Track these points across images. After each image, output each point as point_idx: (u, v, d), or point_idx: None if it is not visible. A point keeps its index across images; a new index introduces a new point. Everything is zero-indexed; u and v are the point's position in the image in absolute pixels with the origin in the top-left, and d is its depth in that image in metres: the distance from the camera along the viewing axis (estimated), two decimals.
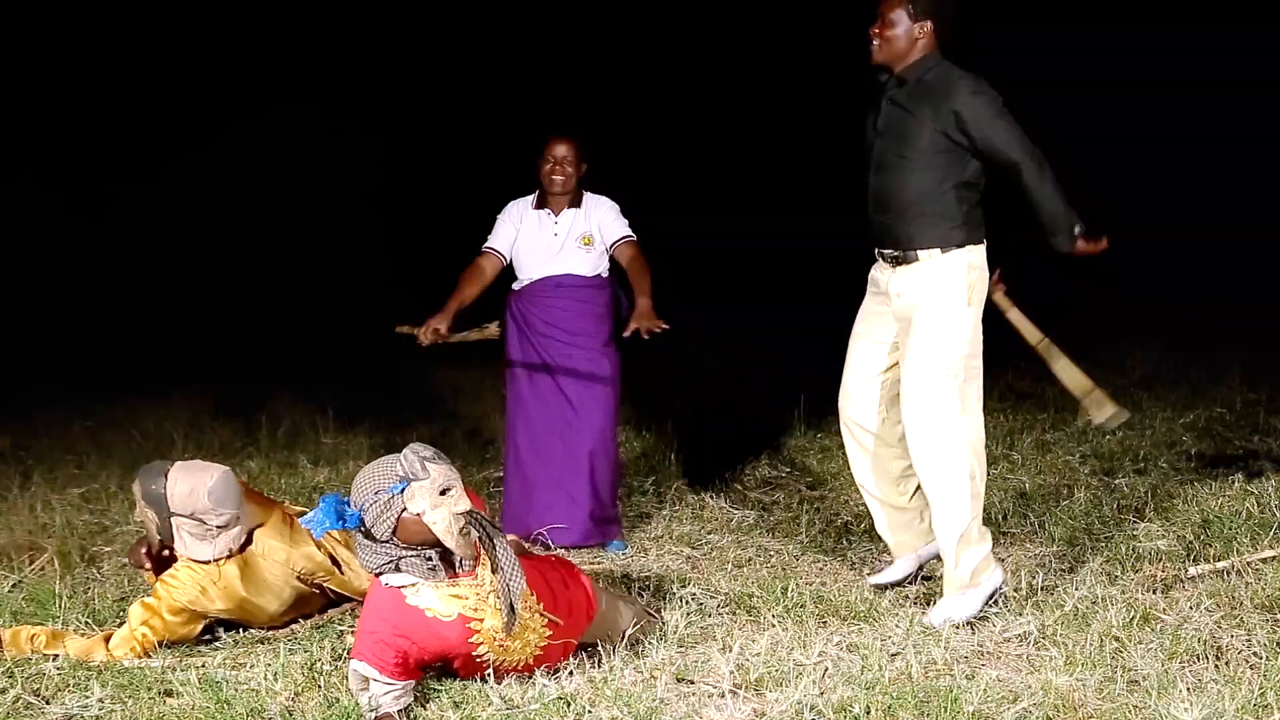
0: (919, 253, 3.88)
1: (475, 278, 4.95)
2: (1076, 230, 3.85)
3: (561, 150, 4.90)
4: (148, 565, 3.90)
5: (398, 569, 3.16)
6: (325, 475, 5.88)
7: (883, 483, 4.17)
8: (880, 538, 4.31)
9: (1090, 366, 7.90)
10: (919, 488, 4.09)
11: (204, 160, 10.51)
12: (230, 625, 3.93)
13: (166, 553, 3.86)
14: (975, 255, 3.91)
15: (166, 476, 3.76)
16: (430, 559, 3.16)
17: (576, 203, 4.98)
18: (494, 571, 3.21)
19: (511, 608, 3.19)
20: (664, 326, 4.66)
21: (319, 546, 3.91)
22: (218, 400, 7.50)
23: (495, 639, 3.24)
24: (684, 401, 6.78)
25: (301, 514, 3.80)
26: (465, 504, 3.12)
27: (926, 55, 3.88)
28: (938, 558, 4.07)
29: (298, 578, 3.89)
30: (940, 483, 3.88)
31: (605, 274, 5.03)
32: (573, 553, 4.82)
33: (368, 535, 3.16)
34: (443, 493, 3.06)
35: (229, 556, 3.79)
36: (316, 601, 4.01)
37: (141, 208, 10.52)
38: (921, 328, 3.88)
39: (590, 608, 3.57)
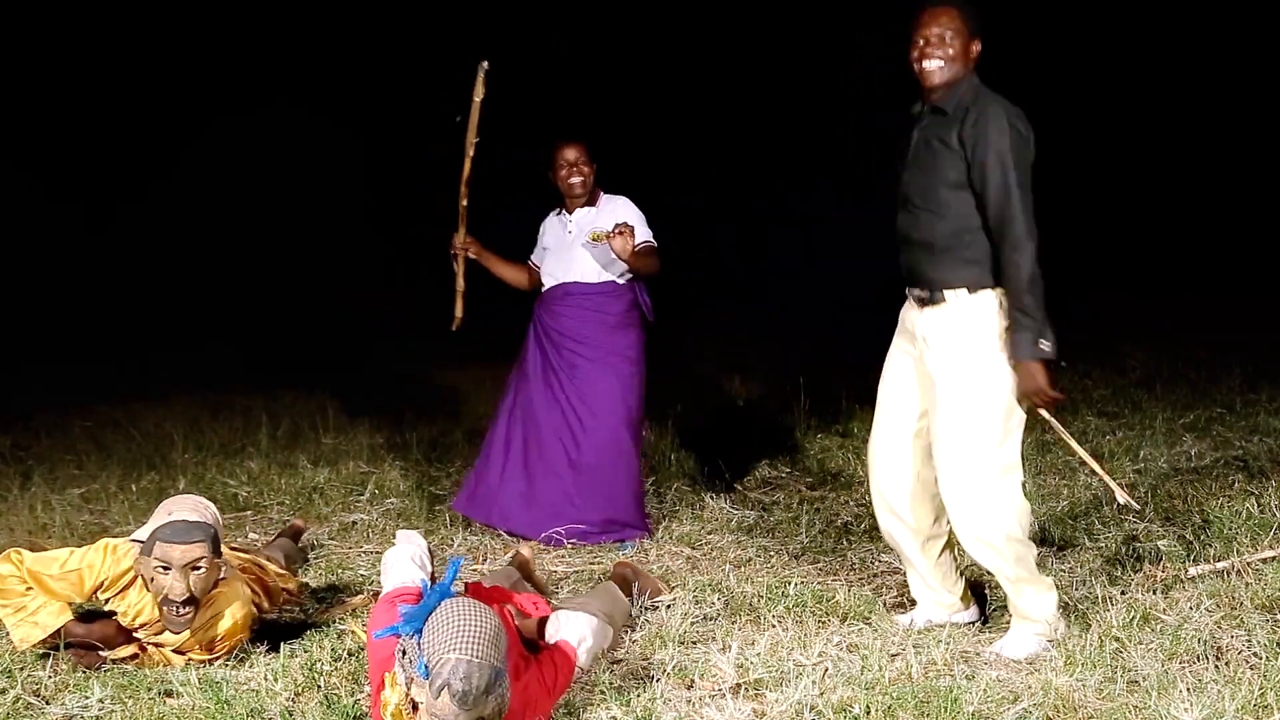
0: (946, 293, 3.59)
1: (517, 268, 5.19)
2: (1044, 344, 3.45)
3: (572, 154, 4.95)
4: None
5: (403, 667, 3.07)
6: (325, 475, 5.88)
7: (915, 542, 3.85)
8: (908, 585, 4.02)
9: (1090, 367, 7.97)
10: (947, 545, 3.88)
11: (202, 162, 10.51)
12: None
13: None
14: (1003, 295, 3.58)
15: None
16: (416, 707, 3.05)
17: (592, 202, 5.01)
18: None
19: None
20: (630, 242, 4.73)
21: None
22: (218, 400, 7.51)
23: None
24: (684, 401, 6.78)
25: None
26: None
27: (967, 79, 3.60)
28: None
29: None
30: (983, 547, 3.61)
31: (620, 280, 5.02)
32: (573, 553, 4.83)
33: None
34: (434, 717, 2.95)
35: None
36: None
37: (141, 209, 10.53)
38: (954, 376, 3.58)
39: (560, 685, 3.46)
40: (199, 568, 3.56)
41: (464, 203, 4.97)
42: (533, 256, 5.20)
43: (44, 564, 3.62)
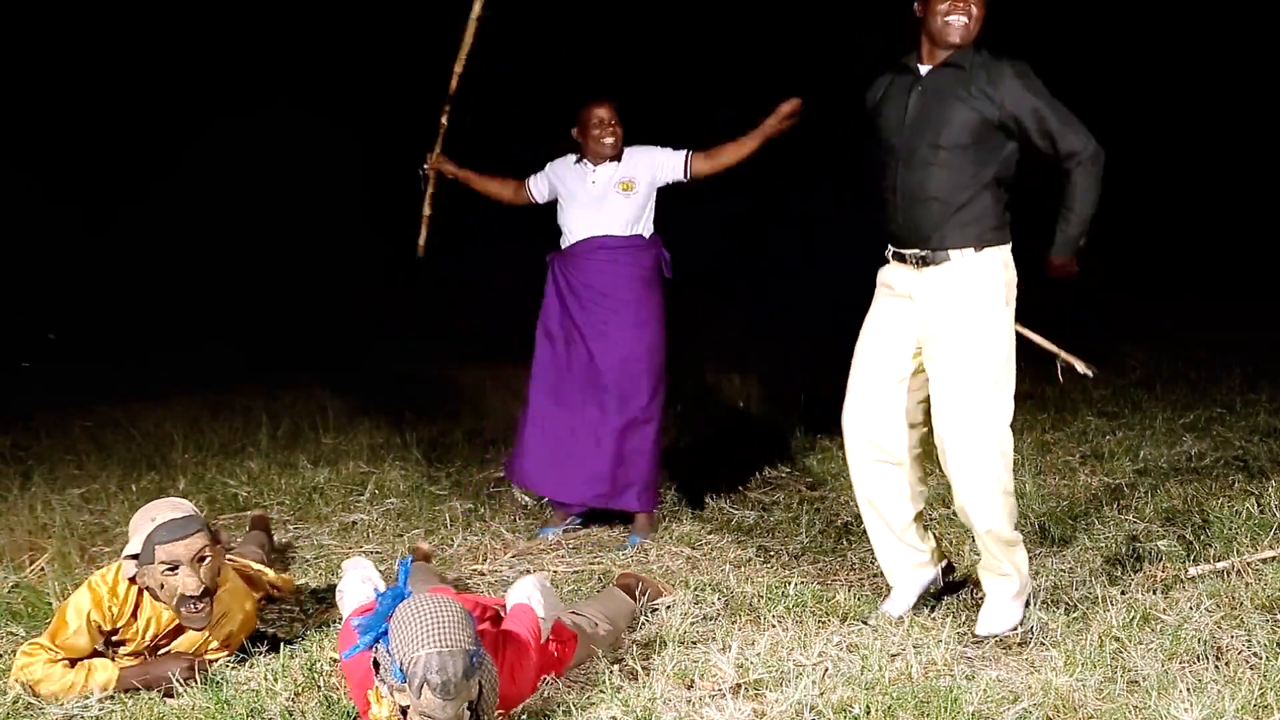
0: (950, 252, 3.66)
1: (501, 181, 5.12)
2: (1081, 243, 3.70)
3: (604, 112, 4.87)
4: None
5: (382, 680, 3.05)
6: (325, 475, 5.88)
7: (893, 503, 3.94)
8: (878, 561, 4.11)
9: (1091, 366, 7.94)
10: (920, 513, 3.99)
11: (202, 162, 10.50)
12: None
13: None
14: (1007, 254, 3.72)
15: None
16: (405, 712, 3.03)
17: (616, 158, 4.94)
18: None
19: None
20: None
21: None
22: (218, 400, 7.51)
23: None
24: (684, 401, 6.77)
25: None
26: None
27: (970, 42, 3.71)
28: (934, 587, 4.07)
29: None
30: (981, 494, 3.69)
31: (646, 234, 4.95)
32: (573, 553, 4.83)
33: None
34: (425, 716, 2.93)
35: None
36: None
37: (141, 209, 10.53)
38: (959, 333, 3.66)
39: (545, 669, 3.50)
40: (205, 557, 3.54)
41: (443, 120, 4.89)
42: (531, 179, 5.06)
43: (60, 633, 3.52)
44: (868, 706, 3.19)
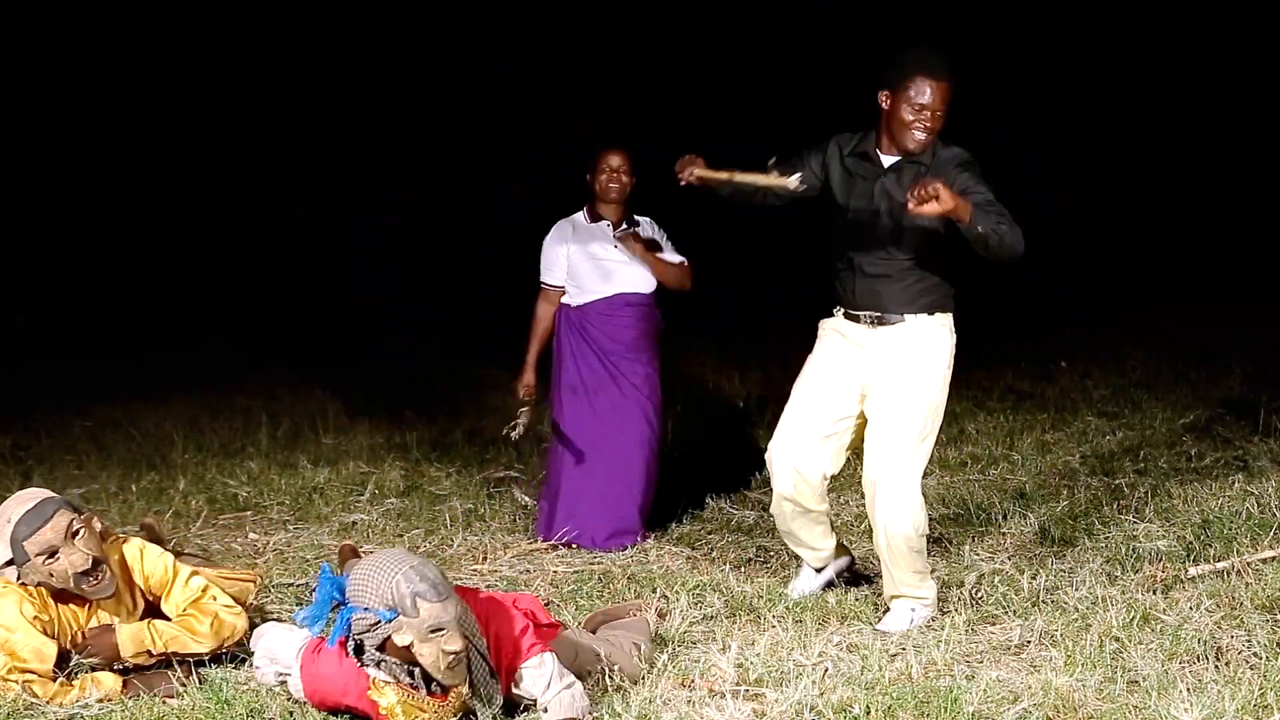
0: (907, 316, 3.88)
1: (542, 323, 5.03)
2: (978, 229, 3.60)
3: (616, 160, 4.95)
4: None
5: (378, 665, 3.08)
6: (325, 475, 5.88)
7: (809, 523, 4.14)
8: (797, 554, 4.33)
9: (1090, 367, 7.96)
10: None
11: (202, 162, 10.50)
12: None
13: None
14: (951, 321, 3.95)
15: None
16: (413, 674, 3.07)
17: (631, 222, 5.01)
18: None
19: None
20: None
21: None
22: (218, 400, 7.51)
23: None
24: (684, 401, 6.77)
25: None
26: (457, 644, 2.98)
27: None
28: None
29: None
30: (899, 535, 3.87)
31: (653, 290, 5.06)
32: (574, 553, 4.83)
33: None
34: (433, 631, 2.96)
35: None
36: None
37: (141, 209, 10.52)
38: (903, 384, 3.87)
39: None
40: (77, 531, 3.43)
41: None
42: (550, 279, 5.03)
43: (16, 649, 3.41)
44: (868, 706, 3.19)
